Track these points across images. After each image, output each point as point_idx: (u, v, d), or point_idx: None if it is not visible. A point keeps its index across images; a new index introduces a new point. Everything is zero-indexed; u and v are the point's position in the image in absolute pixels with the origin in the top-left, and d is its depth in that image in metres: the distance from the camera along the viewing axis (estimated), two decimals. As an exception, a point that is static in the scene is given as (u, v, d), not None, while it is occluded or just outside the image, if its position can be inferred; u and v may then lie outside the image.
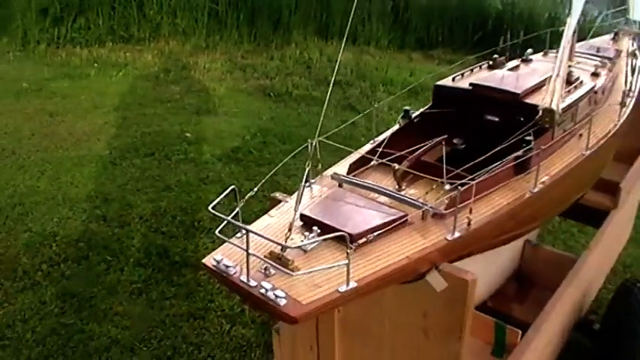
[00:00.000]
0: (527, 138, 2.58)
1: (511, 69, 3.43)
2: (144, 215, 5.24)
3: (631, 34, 4.50)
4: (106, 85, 8.85)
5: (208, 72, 9.95)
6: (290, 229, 2.03)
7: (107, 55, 10.19)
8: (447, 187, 2.33)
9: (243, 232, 1.96)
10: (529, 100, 2.93)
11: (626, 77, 3.78)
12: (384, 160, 2.50)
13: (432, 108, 3.08)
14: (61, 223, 5.02)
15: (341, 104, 8.74)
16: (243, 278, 1.86)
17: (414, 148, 2.59)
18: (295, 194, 2.37)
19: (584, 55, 4.07)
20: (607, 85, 3.53)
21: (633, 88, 3.79)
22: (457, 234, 2.15)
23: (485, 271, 3.43)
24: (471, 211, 2.20)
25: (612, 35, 4.59)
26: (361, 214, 2.19)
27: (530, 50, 3.70)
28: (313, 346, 2.77)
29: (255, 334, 3.87)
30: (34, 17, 10.34)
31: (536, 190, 2.52)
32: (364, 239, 2.04)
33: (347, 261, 1.82)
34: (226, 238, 1.96)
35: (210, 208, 1.93)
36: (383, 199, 2.34)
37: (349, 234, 1.94)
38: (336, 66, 9.59)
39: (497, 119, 2.94)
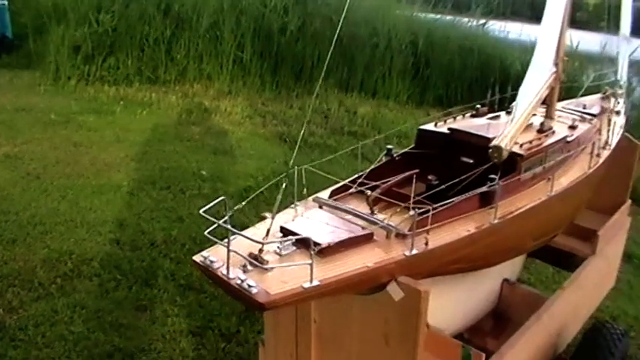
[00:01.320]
0: (492, 176, 2.92)
1: (491, 118, 3.78)
2: (155, 241, 5.57)
3: (617, 94, 4.85)
4: (129, 122, 9.32)
5: (229, 115, 10.40)
6: (267, 234, 2.39)
7: (133, 94, 10.72)
8: (411, 212, 2.66)
9: (231, 236, 2.33)
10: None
11: (606, 132, 4.11)
12: (361, 188, 2.85)
13: (415, 149, 3.44)
14: (77, 243, 5.37)
15: (354, 153, 9.09)
16: (224, 271, 2.20)
17: (390, 179, 2.94)
18: (279, 213, 2.74)
19: (568, 110, 4.41)
20: (584, 138, 3.84)
21: (609, 142, 4.11)
22: (415, 251, 2.48)
23: (463, 304, 3.71)
24: (428, 233, 2.54)
25: (602, 94, 4.95)
26: (332, 230, 2.54)
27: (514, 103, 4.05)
28: (293, 354, 3.06)
29: (247, 351, 4.14)
30: (67, 54, 10.93)
31: (495, 221, 2.85)
32: (331, 249, 2.38)
33: (310, 261, 2.16)
34: (213, 237, 2.29)
35: (201, 211, 2.30)
36: (356, 220, 2.68)
37: (315, 242, 2.31)
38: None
39: (471, 161, 3.27)
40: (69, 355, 3.98)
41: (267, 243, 2.32)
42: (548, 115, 4.18)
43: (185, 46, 11.88)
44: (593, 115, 4.32)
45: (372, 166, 3.19)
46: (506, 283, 4.20)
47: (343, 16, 4.57)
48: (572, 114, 4.32)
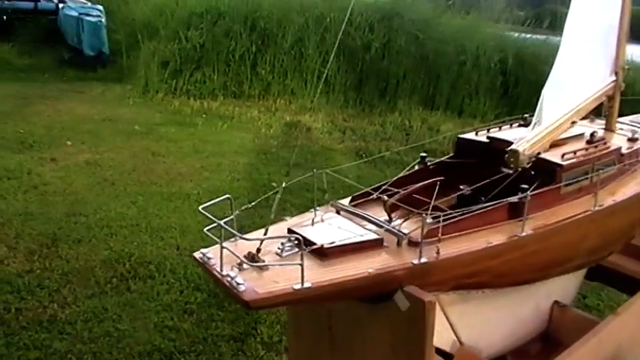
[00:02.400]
0: (523, 186, 2.77)
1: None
2: (213, 248, 5.65)
3: None
4: (209, 134, 9.56)
5: (308, 131, 10.47)
6: (265, 233, 2.36)
7: (217, 107, 11.02)
8: (429, 220, 2.55)
9: (236, 238, 2.32)
10: (542, 156, 3.10)
11: None
12: (380, 195, 2.76)
13: (453, 158, 3.32)
14: (139, 247, 5.51)
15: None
16: (217, 267, 2.19)
17: (415, 186, 2.84)
18: (296, 217, 2.72)
19: (633, 124, 4.15)
20: None
21: None
22: (424, 259, 2.37)
23: (505, 324, 3.51)
24: (439, 241, 2.42)
25: None
26: (340, 234, 2.46)
27: None
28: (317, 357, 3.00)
29: (285, 360, 4.12)
30: (156, 69, 11.41)
31: (523, 234, 2.68)
32: (334, 252, 2.31)
33: (301, 262, 2.10)
34: (211, 235, 2.28)
35: (200, 208, 2.30)
36: (370, 226, 2.60)
37: (309, 243, 2.26)
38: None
39: (510, 171, 3.11)
40: (110, 350, 4.06)
41: (252, 240, 2.28)
42: (608, 127, 3.95)
43: (270, 62, 12.13)
44: None
45: (401, 174, 3.10)
46: (556, 305, 3.97)
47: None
48: (638, 127, 4.06)
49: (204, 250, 2.32)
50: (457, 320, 3.11)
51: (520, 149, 2.73)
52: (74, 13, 13.14)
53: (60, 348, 4.06)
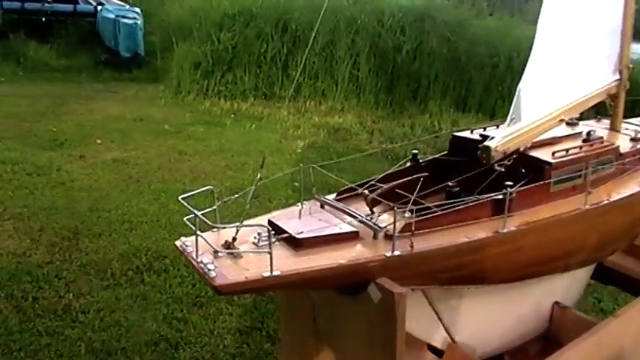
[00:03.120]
0: (507, 183, 2.78)
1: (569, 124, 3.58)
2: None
3: None
4: (237, 134, 9.70)
5: (336, 132, 10.54)
6: (242, 221, 2.44)
7: (246, 108, 11.17)
8: (408, 214, 2.59)
9: (218, 228, 2.42)
10: (533, 153, 3.10)
11: None
12: (363, 190, 2.82)
13: (447, 156, 3.34)
14: (157, 242, 5.65)
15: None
16: (193, 254, 2.28)
17: (397, 181, 2.88)
18: (281, 210, 2.81)
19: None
20: None
21: None
22: (397, 252, 2.41)
23: (502, 323, 3.49)
24: (413, 235, 2.46)
25: None
26: (318, 226, 2.53)
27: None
28: (300, 352, 3.07)
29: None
30: (189, 70, 11.63)
31: (504, 230, 2.70)
32: (309, 243, 2.38)
33: (269, 250, 2.18)
34: (190, 223, 2.37)
35: (180, 198, 2.40)
36: (350, 219, 2.65)
37: (281, 232, 2.34)
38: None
39: (502, 169, 3.12)
40: (118, 339, 4.20)
41: (231, 227, 2.35)
42: (613, 127, 3.92)
43: (301, 64, 12.23)
44: None
45: (391, 170, 3.14)
46: (557, 305, 3.93)
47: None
48: None
49: (184, 239, 2.42)
50: (449, 317, 3.14)
51: (492, 145, 2.74)
52: (111, 16, 13.49)
53: (71, 335, 4.21)
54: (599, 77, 3.64)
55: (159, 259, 5.35)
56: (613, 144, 3.41)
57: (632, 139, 3.68)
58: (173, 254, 5.43)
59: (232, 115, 10.64)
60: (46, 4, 13.58)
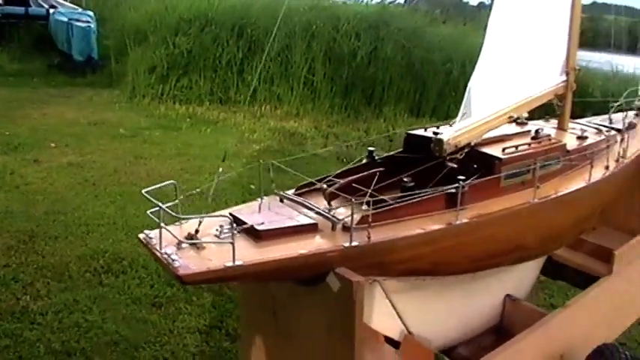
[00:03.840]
0: (460, 177, 2.91)
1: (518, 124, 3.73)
2: (188, 246, 5.78)
3: None
4: (193, 138, 9.70)
5: (292, 136, 10.62)
6: (203, 216, 2.51)
7: (202, 112, 11.18)
8: (365, 207, 2.69)
9: (180, 221, 2.49)
10: (484, 150, 3.24)
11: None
12: (321, 184, 2.91)
13: (402, 153, 3.46)
14: (114, 244, 5.64)
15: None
16: (157, 246, 2.34)
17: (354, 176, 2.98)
18: (242, 205, 2.88)
19: (588, 124, 4.28)
20: (592, 149, 3.68)
21: (625, 156, 3.94)
22: (355, 243, 2.51)
23: (456, 315, 3.59)
24: (370, 226, 2.56)
25: (636, 111, 4.79)
26: (278, 219, 2.62)
27: (525, 114, 3.97)
28: (260, 346, 3.14)
29: (246, 350, 4.26)
30: (144, 74, 11.58)
31: (457, 222, 2.82)
32: (270, 235, 2.47)
33: (232, 240, 2.26)
34: (153, 217, 2.42)
35: (143, 192, 2.46)
36: (309, 213, 2.75)
37: (240, 223, 2.42)
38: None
39: (455, 165, 3.25)
40: (78, 340, 4.20)
41: (193, 218, 2.43)
42: (560, 126, 4.09)
43: (256, 69, 12.29)
44: (617, 130, 4.18)
45: (348, 166, 3.24)
46: (508, 298, 4.06)
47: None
48: (591, 127, 4.20)
49: (147, 232, 2.48)
50: (405, 308, 3.22)
51: (444, 138, 2.87)
52: (64, 19, 13.32)
53: (30, 337, 4.20)
54: (547, 78, 3.81)
55: (117, 260, 5.36)
56: (560, 141, 3.57)
57: (579, 137, 3.85)
58: (131, 256, 5.45)
59: (188, 119, 10.64)
60: (-3, 7, 13.37)
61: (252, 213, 2.69)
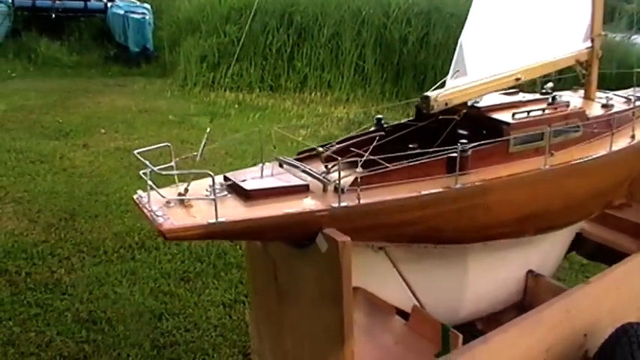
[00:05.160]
0: (462, 141, 2.84)
1: (509, 94, 3.58)
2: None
3: None
4: (240, 124, 9.82)
5: (339, 122, 10.61)
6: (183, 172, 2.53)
7: (251, 99, 11.31)
8: (359, 169, 2.66)
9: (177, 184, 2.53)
10: (494, 115, 3.15)
11: None
12: (320, 148, 2.90)
13: (414, 121, 3.40)
14: (151, 222, 5.80)
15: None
16: (146, 204, 2.39)
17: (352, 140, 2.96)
18: (243, 169, 2.90)
19: (618, 94, 4.10)
20: (618, 118, 3.50)
21: None
22: (343, 204, 2.48)
23: (474, 289, 3.47)
24: (360, 187, 2.52)
25: None
26: (270, 181, 2.62)
27: (550, 84, 3.83)
28: (266, 312, 3.16)
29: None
30: (195, 63, 11.80)
31: (457, 186, 2.74)
32: (259, 194, 2.48)
33: (214, 197, 2.28)
34: (145, 177, 2.46)
35: (135, 152, 2.51)
36: (304, 176, 2.73)
37: (226, 181, 2.43)
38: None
39: (466, 132, 3.16)
40: (105, 310, 4.34)
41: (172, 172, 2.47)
42: (587, 96, 3.94)
43: (307, 56, 12.34)
44: None
45: (352, 133, 3.22)
46: (530, 274, 3.88)
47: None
48: (620, 97, 4.01)
49: (140, 192, 2.52)
50: (416, 279, 3.18)
51: (431, 95, 2.79)
52: (121, 12, 13.70)
53: (59, 306, 4.36)
54: (566, 42, 3.66)
55: (151, 237, 5.47)
56: (580, 108, 3.42)
57: (603, 106, 3.70)
58: (166, 233, 5.55)
59: (237, 106, 10.77)
60: (57, 1, 13.81)
61: (247, 175, 2.70)
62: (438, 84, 2.89)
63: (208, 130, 2.78)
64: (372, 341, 3.11)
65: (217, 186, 2.50)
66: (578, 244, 4.29)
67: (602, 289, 3.63)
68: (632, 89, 4.34)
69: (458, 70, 2.91)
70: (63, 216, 5.82)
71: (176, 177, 2.60)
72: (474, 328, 3.61)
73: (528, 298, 3.85)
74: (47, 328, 4.13)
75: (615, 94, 4.12)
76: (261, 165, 2.91)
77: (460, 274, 3.35)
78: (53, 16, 13.60)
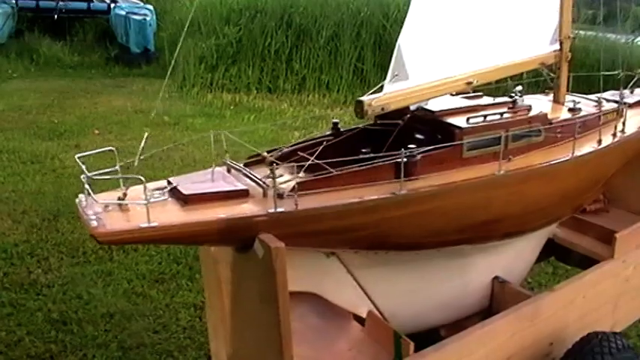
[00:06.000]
0: (410, 146, 2.82)
1: (468, 97, 3.47)
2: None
3: None
4: (235, 125, 9.81)
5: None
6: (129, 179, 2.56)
7: (248, 100, 11.34)
8: (301, 174, 2.67)
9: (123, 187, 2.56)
10: (448, 119, 3.11)
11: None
12: (265, 154, 2.91)
13: (373, 126, 3.38)
14: (133, 224, 5.85)
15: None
16: (85, 208, 2.41)
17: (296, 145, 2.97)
18: (190, 173, 2.92)
19: (589, 98, 4.04)
20: (584, 122, 3.47)
21: (622, 131, 3.70)
22: (280, 209, 2.48)
23: (437, 295, 3.40)
24: (297, 193, 2.52)
25: None
26: (211, 185, 2.64)
27: (519, 87, 3.77)
28: (217, 313, 3.18)
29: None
30: (194, 64, 11.86)
31: (403, 192, 2.72)
32: (197, 199, 2.49)
33: (146, 201, 2.30)
34: (85, 181, 2.50)
35: (77, 157, 2.54)
36: (247, 180, 2.74)
37: (180, 191, 2.45)
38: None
39: (422, 136, 3.14)
40: (76, 310, 4.39)
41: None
42: (556, 99, 3.89)
43: (305, 57, 12.35)
44: (620, 104, 3.91)
45: (305, 138, 3.21)
46: (496, 280, 3.81)
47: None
48: (591, 101, 3.96)
49: (81, 196, 2.55)
50: (371, 286, 3.15)
51: (365, 99, 2.76)
52: (123, 13, 13.79)
53: (32, 306, 4.42)
54: (529, 45, 3.60)
55: (132, 239, 5.51)
56: (541, 112, 3.33)
57: (570, 110, 3.65)
58: (147, 235, 5.59)
59: (232, 107, 10.83)
60: (60, 2, 13.91)
61: (190, 180, 2.71)
62: (376, 88, 2.84)
63: (146, 135, 2.79)
64: (326, 346, 3.12)
65: (160, 190, 2.53)
66: (554, 249, 4.26)
67: (569, 297, 3.58)
68: (610, 92, 4.30)
69: (397, 74, 2.86)
70: (47, 216, 5.88)
71: (121, 181, 2.62)
72: (437, 336, 3.59)
73: (495, 304, 3.75)
74: (18, 327, 4.18)
75: (586, 98, 4.07)
76: (211, 169, 2.93)
77: (420, 280, 3.30)
78: (56, 16, 13.69)
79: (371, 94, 2.80)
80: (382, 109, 2.79)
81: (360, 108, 2.74)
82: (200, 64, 11.91)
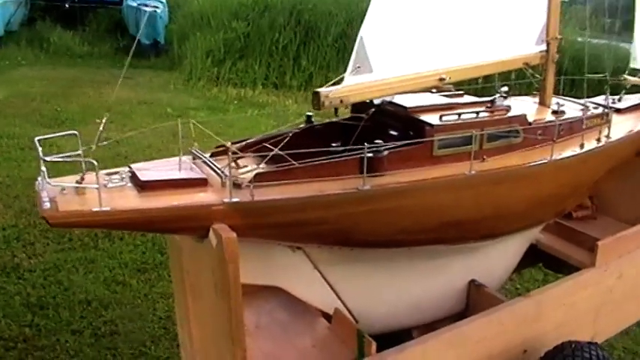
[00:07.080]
0: (377, 141, 2.77)
1: (448, 95, 3.43)
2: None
3: None
4: (237, 119, 9.83)
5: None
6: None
7: (253, 95, 11.34)
8: (263, 165, 2.65)
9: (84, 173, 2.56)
10: (421, 117, 3.06)
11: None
12: (231, 146, 2.88)
13: (348, 120, 3.34)
14: (123, 213, 5.87)
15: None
16: (41, 190, 2.41)
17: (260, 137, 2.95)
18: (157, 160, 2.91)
19: (576, 101, 3.98)
20: (568, 125, 3.43)
21: (607, 136, 3.64)
22: (235, 199, 2.46)
23: (410, 296, 3.37)
24: (253, 184, 2.49)
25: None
26: (170, 173, 2.63)
27: (505, 88, 3.60)
28: (182, 304, 3.17)
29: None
30: (202, 58, 11.87)
31: (365, 187, 2.67)
32: (154, 185, 2.49)
33: (97, 185, 2.30)
34: (43, 165, 2.50)
35: (36, 139, 2.54)
36: (208, 170, 2.73)
37: (137, 177, 2.45)
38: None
39: (396, 133, 3.08)
40: (54, 296, 4.42)
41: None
42: (541, 101, 3.83)
43: (313, 54, 12.32)
44: (607, 108, 3.85)
45: (278, 130, 3.19)
46: (472, 284, 3.63)
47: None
48: (577, 104, 3.89)
49: (39, 179, 2.55)
50: (339, 283, 3.11)
51: (322, 91, 2.71)
52: (134, 4, 13.83)
53: (11, 290, 4.45)
54: (512, 43, 3.52)
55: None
56: (520, 113, 3.24)
57: (554, 112, 3.57)
58: (134, 223, 5.61)
59: (236, 102, 10.82)
60: (73, -8, 14.02)
61: (153, 167, 2.70)
62: (336, 80, 2.79)
63: (104, 119, 2.78)
64: (289, 342, 3.09)
65: (119, 176, 2.53)
66: (540, 256, 4.20)
67: (546, 304, 3.51)
68: (601, 97, 4.23)
69: (359, 67, 2.80)
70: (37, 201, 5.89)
71: (83, 164, 2.62)
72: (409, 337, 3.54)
73: (470, 308, 3.68)
74: (-6, 310, 4.21)
75: (573, 101, 4.01)
76: (177, 158, 2.92)
77: (392, 280, 3.23)
78: (67, 5, 13.76)
79: (329, 85, 2.73)
80: (341, 101, 2.72)
81: (317, 99, 2.68)
82: (207, 57, 11.90)
